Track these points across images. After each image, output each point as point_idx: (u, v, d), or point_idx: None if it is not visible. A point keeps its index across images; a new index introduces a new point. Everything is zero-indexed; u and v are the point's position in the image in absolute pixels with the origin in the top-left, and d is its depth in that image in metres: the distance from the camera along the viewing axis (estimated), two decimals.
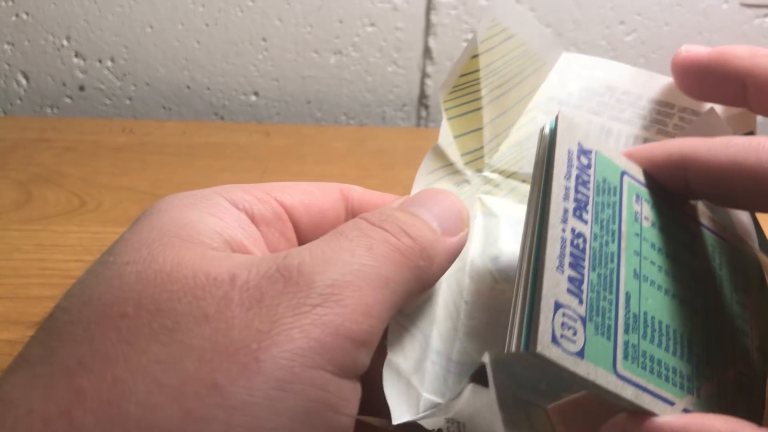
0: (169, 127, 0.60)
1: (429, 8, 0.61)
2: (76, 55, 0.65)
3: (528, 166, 0.29)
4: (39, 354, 0.16)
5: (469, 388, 0.19)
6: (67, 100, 0.66)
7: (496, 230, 0.27)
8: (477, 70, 0.27)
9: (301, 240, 0.22)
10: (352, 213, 0.23)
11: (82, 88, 0.65)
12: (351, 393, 0.16)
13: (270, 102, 0.66)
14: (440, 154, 0.27)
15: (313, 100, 0.66)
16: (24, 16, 0.63)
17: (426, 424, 0.20)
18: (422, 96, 0.65)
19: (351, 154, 0.56)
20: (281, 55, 0.64)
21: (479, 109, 0.27)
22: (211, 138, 0.58)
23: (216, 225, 0.18)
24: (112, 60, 0.65)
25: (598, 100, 0.31)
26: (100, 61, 0.59)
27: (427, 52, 0.63)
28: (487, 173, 0.28)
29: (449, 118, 0.26)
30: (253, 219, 0.20)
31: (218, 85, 0.66)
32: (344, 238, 0.17)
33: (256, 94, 0.66)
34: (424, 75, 0.64)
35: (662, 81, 0.30)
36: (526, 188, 0.28)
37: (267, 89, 0.66)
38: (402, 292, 0.17)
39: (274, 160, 0.50)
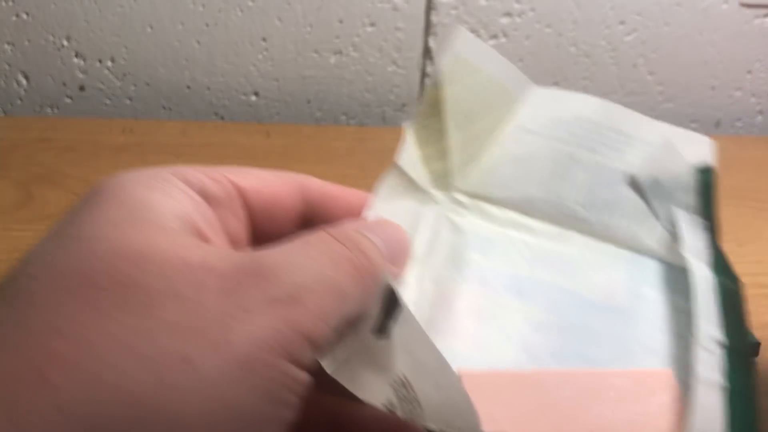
0: (169, 127, 0.60)
1: (429, 8, 0.61)
2: (77, 55, 0.65)
3: (498, 191, 0.31)
4: (7, 316, 0.16)
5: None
6: (68, 100, 0.66)
7: (463, 244, 0.29)
8: (441, 100, 0.29)
9: (255, 224, 0.23)
10: (309, 204, 0.24)
11: (82, 88, 0.66)
12: (304, 379, 0.17)
13: (270, 102, 0.66)
14: (402, 173, 0.29)
15: (313, 100, 0.66)
16: (24, 16, 0.63)
17: (370, 397, 0.21)
18: (422, 96, 0.65)
19: (351, 154, 0.56)
20: (281, 55, 0.64)
21: (445, 133, 0.29)
22: (211, 138, 0.58)
23: (178, 210, 0.19)
24: (113, 60, 0.65)
25: (565, 129, 0.33)
26: (100, 61, 0.59)
27: (427, 52, 0.63)
28: (456, 194, 0.31)
29: (415, 141, 0.29)
30: (207, 199, 0.21)
31: (218, 85, 0.66)
32: (311, 247, 0.19)
33: (256, 94, 0.66)
34: (425, 75, 0.64)
35: (626, 113, 0.33)
36: (495, 210, 0.31)
37: (267, 89, 0.66)
38: (353, 308, 0.19)
39: (274, 160, 0.50)
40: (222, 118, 0.67)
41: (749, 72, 0.64)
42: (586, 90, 0.64)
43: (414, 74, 0.64)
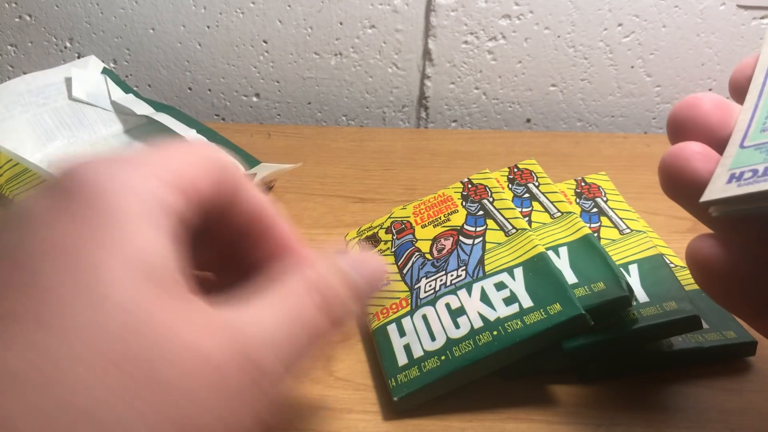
0: None
1: (429, 10, 0.62)
2: (79, 57, 0.65)
3: None
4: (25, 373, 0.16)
5: None
6: None
7: None
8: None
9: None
10: (227, 195, 0.22)
11: None
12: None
13: (271, 103, 0.67)
14: None
15: (314, 102, 0.67)
16: (27, 18, 0.64)
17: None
18: (422, 97, 0.66)
19: (351, 154, 0.57)
20: (282, 57, 0.64)
21: None
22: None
23: (170, 254, 0.19)
24: (115, 62, 0.65)
25: None
26: (102, 62, 0.60)
27: (426, 54, 0.64)
28: None
29: None
30: (183, 226, 0.20)
31: (220, 87, 0.66)
32: (294, 296, 0.21)
33: (257, 95, 0.66)
34: (424, 76, 0.65)
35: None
36: None
37: (268, 90, 0.66)
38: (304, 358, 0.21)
39: (275, 160, 0.50)
40: (223, 119, 0.68)
41: None
42: (584, 91, 0.65)
43: (414, 76, 0.65)
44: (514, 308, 0.32)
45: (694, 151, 0.23)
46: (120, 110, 0.56)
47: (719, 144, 0.23)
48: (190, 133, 0.51)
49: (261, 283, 0.21)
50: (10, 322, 0.16)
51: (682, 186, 0.23)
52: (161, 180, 0.19)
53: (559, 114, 0.66)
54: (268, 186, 0.51)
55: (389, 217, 0.42)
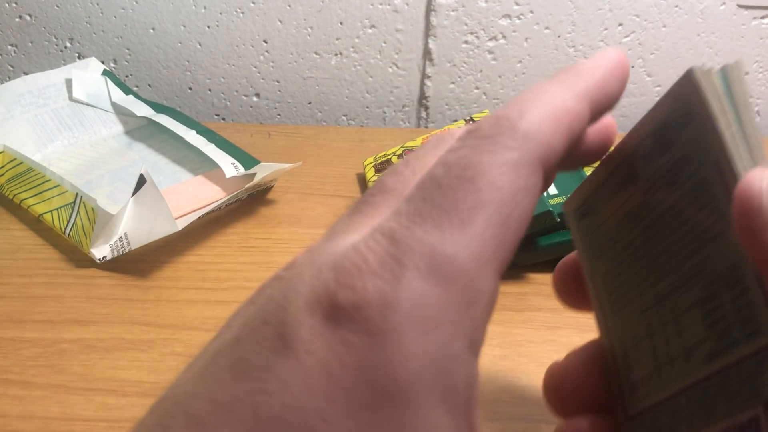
0: None
1: (429, 10, 0.61)
2: (79, 57, 0.65)
3: None
4: None
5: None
6: None
7: None
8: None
9: None
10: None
11: None
12: None
13: (271, 103, 0.67)
14: None
15: (314, 101, 0.66)
16: (27, 18, 0.64)
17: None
18: (422, 97, 0.66)
19: (352, 154, 0.57)
20: (282, 57, 0.64)
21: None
22: None
23: None
24: (115, 62, 0.65)
25: None
26: (102, 63, 0.60)
27: (427, 54, 0.64)
28: None
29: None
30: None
31: (220, 87, 0.66)
32: None
33: (257, 95, 0.66)
34: (424, 76, 0.65)
35: None
36: None
37: (268, 90, 0.66)
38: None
39: (275, 160, 0.50)
40: (223, 119, 0.68)
41: (746, 73, 0.64)
42: None
43: (414, 75, 0.65)
44: None
45: None
46: (120, 111, 0.56)
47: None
48: (189, 135, 0.51)
49: None
50: None
51: None
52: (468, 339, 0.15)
53: None
54: (268, 186, 0.51)
55: (402, 147, 0.50)
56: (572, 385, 0.22)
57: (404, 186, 0.18)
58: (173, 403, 0.14)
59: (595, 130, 0.21)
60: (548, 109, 0.17)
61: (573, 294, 0.24)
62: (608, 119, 0.21)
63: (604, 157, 0.22)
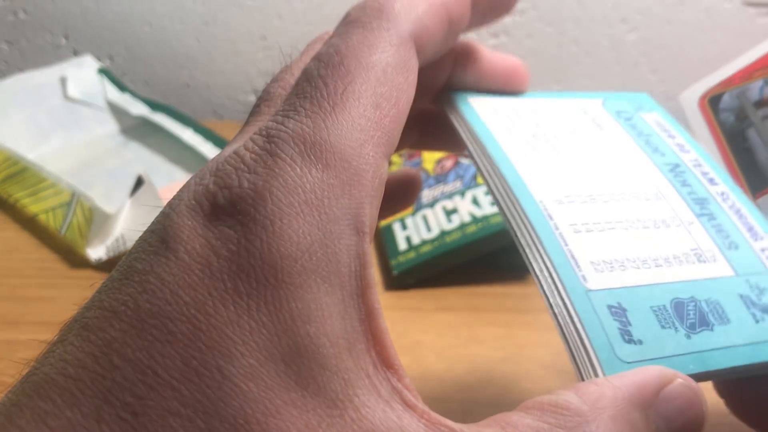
0: None
1: None
2: (75, 54, 0.65)
3: None
4: None
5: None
6: None
7: None
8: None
9: None
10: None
11: None
12: None
13: None
14: None
15: None
16: (22, 15, 0.63)
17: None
18: None
19: None
20: (280, 54, 0.64)
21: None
22: None
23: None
24: (111, 59, 0.65)
25: None
26: (98, 60, 0.59)
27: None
28: None
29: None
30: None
31: (217, 84, 0.65)
32: None
33: (255, 92, 0.66)
34: None
35: None
36: None
37: None
38: None
39: None
40: (221, 117, 0.67)
41: None
42: (587, 88, 0.64)
43: None
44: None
45: None
46: (116, 110, 0.56)
47: None
48: (186, 133, 0.51)
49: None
50: None
51: None
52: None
53: None
54: None
55: None
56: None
57: (286, 90, 0.18)
58: (72, 318, 0.14)
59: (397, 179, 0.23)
60: None
61: None
62: (412, 171, 0.24)
63: None
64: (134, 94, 0.57)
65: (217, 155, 0.16)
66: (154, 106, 0.55)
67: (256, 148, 0.15)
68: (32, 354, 0.37)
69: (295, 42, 0.64)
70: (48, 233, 0.45)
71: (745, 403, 0.21)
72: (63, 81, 0.55)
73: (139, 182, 0.41)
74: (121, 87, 0.57)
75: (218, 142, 0.50)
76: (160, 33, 0.63)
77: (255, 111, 0.18)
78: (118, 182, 0.48)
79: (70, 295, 0.41)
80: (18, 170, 0.47)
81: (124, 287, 0.14)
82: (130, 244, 0.41)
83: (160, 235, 0.14)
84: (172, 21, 0.63)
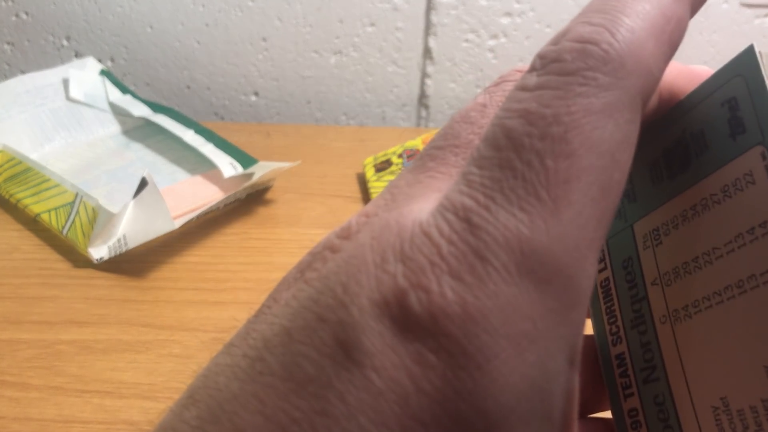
0: None
1: (429, 8, 0.61)
2: (76, 55, 0.65)
3: None
4: None
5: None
6: None
7: None
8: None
9: None
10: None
11: None
12: None
13: (270, 102, 0.66)
14: None
15: (313, 100, 0.66)
16: (24, 16, 0.63)
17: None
18: (422, 96, 0.65)
19: (351, 153, 0.56)
20: (281, 55, 0.64)
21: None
22: None
23: None
24: (112, 60, 0.65)
25: None
26: (100, 61, 0.59)
27: (427, 52, 0.63)
28: None
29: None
30: None
31: (218, 85, 0.66)
32: None
33: (256, 94, 0.66)
34: (424, 75, 0.64)
35: None
36: None
37: (267, 89, 0.66)
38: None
39: (274, 160, 0.50)
40: (222, 118, 0.67)
41: None
42: None
43: (414, 74, 0.64)
44: None
45: None
46: (118, 111, 0.56)
47: None
48: (187, 134, 0.51)
49: None
50: None
51: None
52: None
53: None
54: (267, 186, 0.50)
55: (402, 146, 0.51)
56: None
57: (478, 138, 0.14)
58: (217, 402, 0.12)
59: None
60: (645, 20, 0.13)
61: None
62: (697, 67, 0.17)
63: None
64: (136, 96, 0.57)
65: (388, 212, 0.13)
66: (156, 107, 0.55)
67: (456, 239, 0.11)
68: (34, 353, 0.38)
69: (295, 44, 0.64)
70: (50, 233, 0.45)
71: None
72: (65, 82, 0.55)
73: (142, 183, 0.41)
74: (123, 88, 0.57)
75: (219, 143, 0.50)
76: (162, 35, 0.64)
77: (436, 155, 0.14)
78: (120, 183, 0.48)
79: (72, 294, 0.41)
80: (21, 170, 0.48)
81: (292, 395, 0.11)
82: (132, 244, 0.41)
83: (336, 333, 0.11)
84: (174, 23, 0.63)
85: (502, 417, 0.11)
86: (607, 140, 0.12)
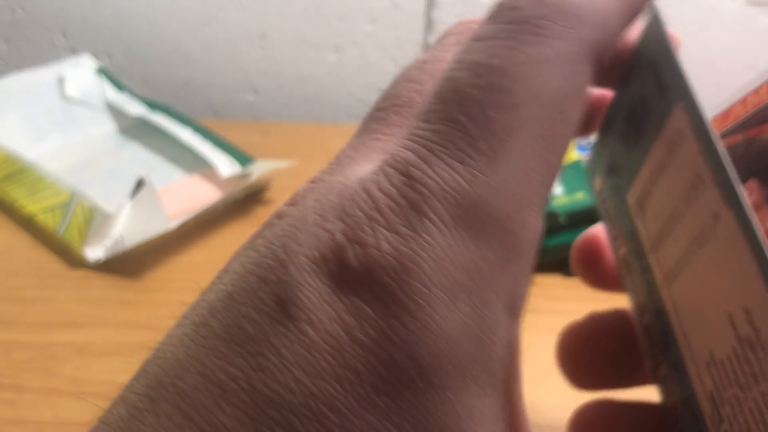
0: None
1: (429, 5, 0.61)
2: (73, 52, 0.64)
3: None
4: None
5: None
6: None
7: None
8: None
9: None
10: None
11: None
12: None
13: (269, 100, 0.66)
14: None
15: (313, 98, 0.66)
16: (19, 13, 0.63)
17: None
18: None
19: None
20: (280, 53, 0.64)
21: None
22: None
23: None
24: (109, 57, 0.65)
25: None
26: (96, 58, 0.59)
27: (427, 50, 0.63)
28: None
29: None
30: None
31: (216, 83, 0.65)
32: None
33: (254, 91, 0.66)
34: None
35: None
36: None
37: (266, 87, 0.65)
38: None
39: (273, 158, 0.50)
40: (220, 116, 0.67)
41: (754, 70, 0.63)
42: None
43: None
44: None
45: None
46: (114, 109, 0.55)
47: None
48: (185, 132, 0.50)
49: None
50: None
51: None
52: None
53: None
54: (265, 185, 0.50)
55: None
56: (593, 350, 0.20)
57: (421, 97, 0.14)
58: (163, 370, 0.12)
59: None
60: None
61: (595, 271, 0.21)
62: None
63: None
64: (132, 94, 0.56)
65: (332, 176, 0.13)
66: (153, 105, 0.55)
67: (395, 193, 0.12)
68: (29, 355, 0.37)
69: (294, 41, 0.64)
70: (46, 233, 0.44)
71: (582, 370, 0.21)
72: (61, 80, 0.55)
73: (139, 184, 0.40)
74: (119, 86, 0.57)
75: (217, 141, 0.50)
76: (159, 32, 0.63)
77: (379, 117, 0.14)
78: (116, 182, 0.47)
79: (68, 295, 0.41)
80: (16, 170, 0.47)
81: (231, 354, 0.11)
82: (128, 244, 0.40)
83: (275, 292, 0.11)
84: (171, 19, 0.63)
85: (436, 365, 0.11)
86: (553, 91, 0.12)
